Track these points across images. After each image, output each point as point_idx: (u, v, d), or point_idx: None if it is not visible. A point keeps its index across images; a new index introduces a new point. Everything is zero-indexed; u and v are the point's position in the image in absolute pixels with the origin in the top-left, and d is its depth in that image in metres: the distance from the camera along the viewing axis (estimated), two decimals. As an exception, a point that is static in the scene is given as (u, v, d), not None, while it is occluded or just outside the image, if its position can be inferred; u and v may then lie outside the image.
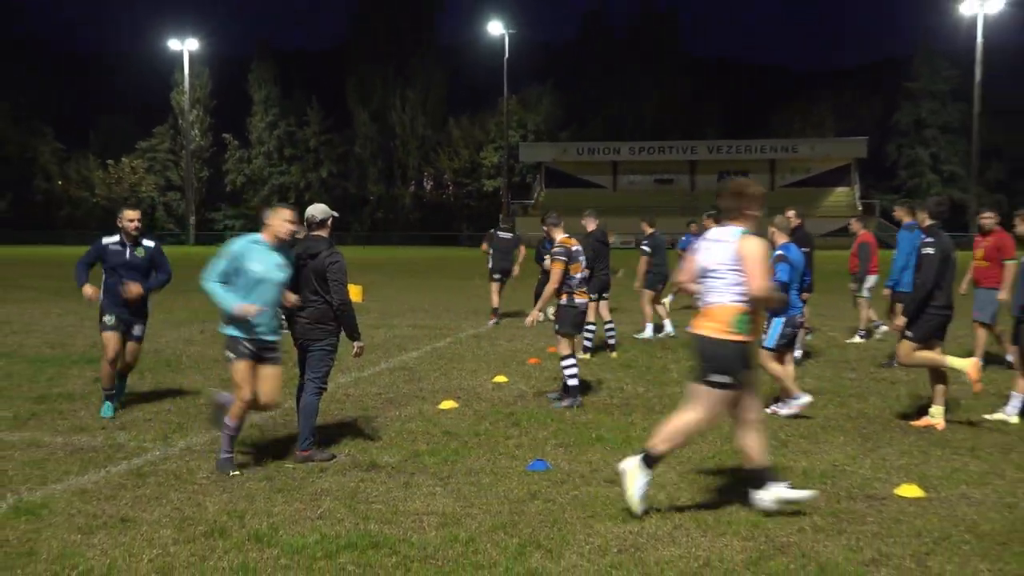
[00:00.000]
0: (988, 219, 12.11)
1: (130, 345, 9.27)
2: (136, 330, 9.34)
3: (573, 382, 9.60)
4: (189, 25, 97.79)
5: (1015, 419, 8.80)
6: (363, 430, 8.43)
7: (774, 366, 9.11)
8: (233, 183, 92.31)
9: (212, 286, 7.10)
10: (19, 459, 7.40)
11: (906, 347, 8.72)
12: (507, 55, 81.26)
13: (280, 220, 7.19)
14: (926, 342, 8.66)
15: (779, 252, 9.05)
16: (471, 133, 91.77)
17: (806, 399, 9.03)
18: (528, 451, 7.74)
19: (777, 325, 8.95)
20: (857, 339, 14.97)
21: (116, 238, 9.42)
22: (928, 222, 8.84)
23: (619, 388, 10.74)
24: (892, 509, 6.25)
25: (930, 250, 8.52)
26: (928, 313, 8.56)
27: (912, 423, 8.83)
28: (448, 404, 9.62)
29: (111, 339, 9.03)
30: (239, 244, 7.18)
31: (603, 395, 10.33)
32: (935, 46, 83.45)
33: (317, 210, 7.63)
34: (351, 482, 6.81)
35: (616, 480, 6.85)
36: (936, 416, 8.72)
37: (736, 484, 6.77)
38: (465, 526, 5.85)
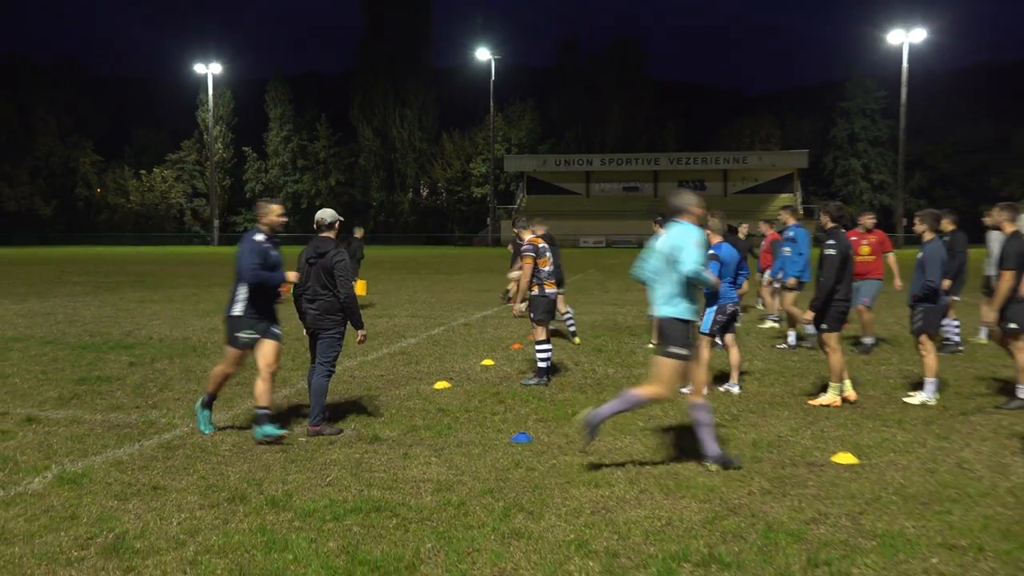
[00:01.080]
0: (870, 219, 12.43)
1: (275, 346, 7.28)
2: (277, 328, 7.36)
3: (544, 364, 9.62)
4: (213, 51, 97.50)
5: (933, 400, 8.73)
6: (366, 407, 8.40)
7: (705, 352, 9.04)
8: (252, 190, 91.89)
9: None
10: (62, 434, 7.33)
11: (832, 338, 8.57)
12: (493, 77, 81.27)
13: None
14: (839, 330, 8.61)
15: (712, 252, 8.97)
16: (462, 146, 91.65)
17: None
18: (512, 425, 7.73)
19: (710, 313, 8.94)
20: (769, 323, 14.94)
21: (262, 236, 7.21)
22: (829, 225, 8.64)
23: (592, 370, 10.74)
24: (829, 474, 6.27)
25: (831, 251, 8.45)
26: (833, 306, 8.55)
27: (809, 401, 8.73)
28: (442, 384, 9.60)
29: (252, 351, 7.28)
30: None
31: (578, 376, 10.32)
32: (866, 71, 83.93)
33: (326, 214, 7.59)
34: (356, 453, 6.78)
35: (588, 450, 6.85)
36: (833, 394, 8.61)
37: (694, 452, 6.78)
38: (457, 491, 5.84)
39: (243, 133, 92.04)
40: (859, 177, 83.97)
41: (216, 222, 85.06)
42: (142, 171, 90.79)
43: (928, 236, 8.85)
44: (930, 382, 8.72)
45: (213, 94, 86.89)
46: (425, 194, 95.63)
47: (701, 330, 8.73)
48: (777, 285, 13.68)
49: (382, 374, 10.33)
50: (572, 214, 75.09)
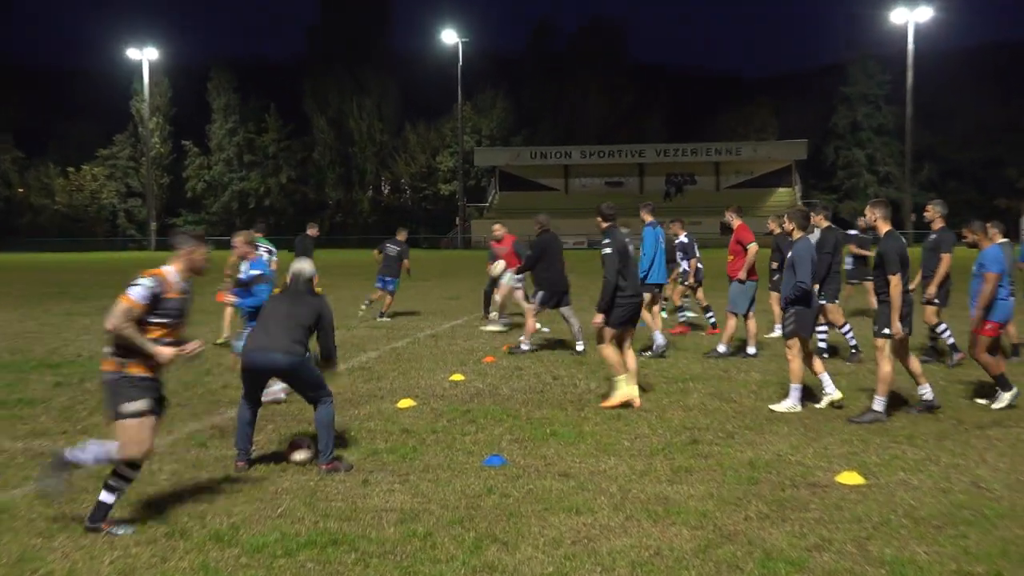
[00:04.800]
0: (731, 218, 13.20)
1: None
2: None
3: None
4: (148, 35, 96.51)
5: (798, 407, 9.03)
6: (323, 429, 8.33)
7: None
8: (193, 189, 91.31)
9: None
10: (-21, 465, 7.22)
11: (606, 334, 9.37)
12: (461, 63, 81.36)
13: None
14: (622, 327, 9.39)
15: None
16: (427, 138, 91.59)
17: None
18: (484, 447, 7.71)
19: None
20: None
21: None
22: (604, 225, 9.71)
23: (572, 384, 10.74)
24: (834, 496, 6.31)
25: (608, 250, 9.33)
26: (618, 303, 9.26)
27: (602, 404, 9.33)
28: (406, 403, 9.57)
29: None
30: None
31: (556, 391, 10.32)
32: (869, 53, 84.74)
33: (307, 269, 7.44)
34: (310, 481, 6.73)
35: (570, 473, 6.84)
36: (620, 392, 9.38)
37: (685, 475, 6.79)
38: (423, 521, 5.81)
39: (183, 125, 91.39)
40: (863, 169, 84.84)
41: (153, 224, 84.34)
42: (69, 169, 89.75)
43: (797, 234, 9.45)
44: (795, 388, 9.11)
45: (149, 82, 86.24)
46: (387, 192, 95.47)
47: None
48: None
49: (339, 392, 10.26)
50: (550, 212, 75.11)
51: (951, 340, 11.92)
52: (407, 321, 18.06)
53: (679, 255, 16.20)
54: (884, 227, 8.83)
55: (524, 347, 13.30)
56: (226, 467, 7.12)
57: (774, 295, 13.12)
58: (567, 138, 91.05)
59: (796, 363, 9.18)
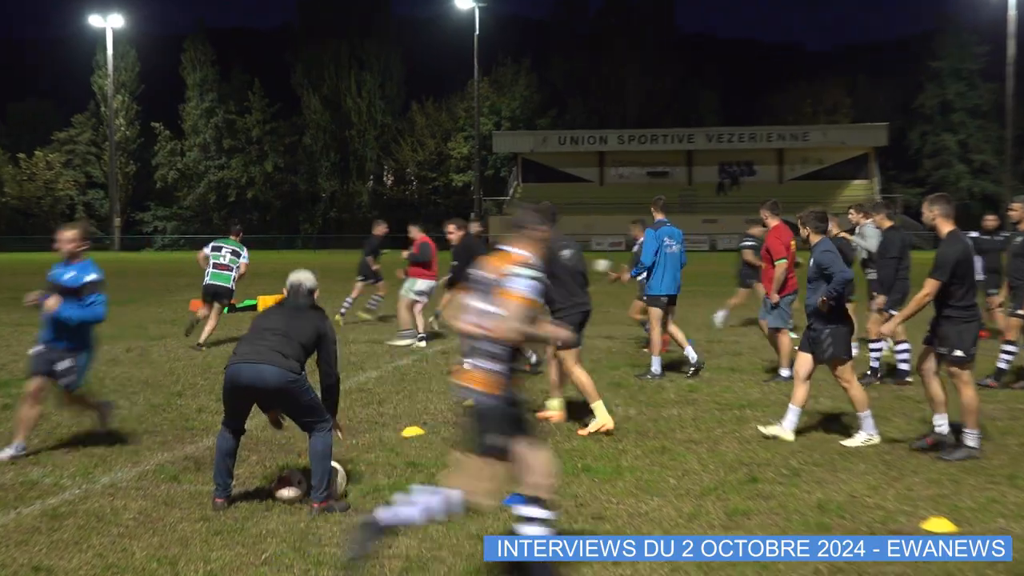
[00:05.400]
0: (765, 216, 13.14)
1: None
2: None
3: None
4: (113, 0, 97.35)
5: (791, 436, 9.24)
6: (315, 462, 8.37)
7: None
8: (164, 179, 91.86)
9: None
10: (-85, 500, 7.29)
11: (569, 355, 9.84)
12: (477, 31, 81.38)
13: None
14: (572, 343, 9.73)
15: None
16: (437, 120, 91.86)
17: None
18: (505, 484, 7.69)
19: None
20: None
21: None
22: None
23: (608, 410, 10.72)
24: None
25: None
26: (558, 319, 9.56)
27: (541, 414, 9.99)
28: (413, 431, 9.59)
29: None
30: None
31: (590, 419, 10.31)
32: (962, 20, 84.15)
33: (307, 279, 7.50)
34: (300, 522, 6.75)
35: (605, 515, 6.83)
36: (553, 408, 10.22)
37: (742, 519, 6.77)
38: (433, 571, 5.81)
39: (152, 105, 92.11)
40: (954, 158, 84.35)
41: (117, 220, 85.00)
42: (20, 155, 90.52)
43: (815, 239, 9.61)
44: (865, 417, 9.23)
45: (113, 54, 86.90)
46: (389, 182, 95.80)
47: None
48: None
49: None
50: (581, 207, 75.30)
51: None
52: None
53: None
54: (945, 227, 8.78)
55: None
56: (202, 505, 7.15)
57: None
58: (602, 121, 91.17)
59: (856, 389, 9.26)
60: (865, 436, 9.12)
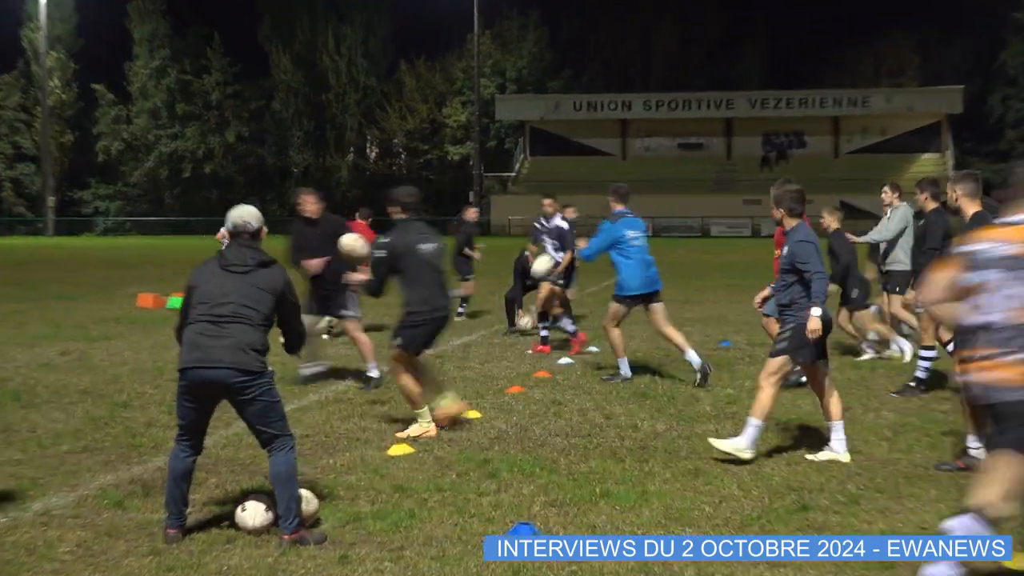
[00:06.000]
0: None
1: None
2: None
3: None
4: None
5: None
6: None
7: None
8: (107, 151, 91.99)
9: None
10: None
11: (401, 362, 10.19)
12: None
13: None
14: (418, 353, 10.31)
15: None
16: (430, 83, 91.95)
17: None
18: (508, 512, 7.70)
19: None
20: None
21: None
22: (399, 215, 10.37)
23: (632, 425, 10.72)
24: (1002, 587, 6.27)
25: (381, 252, 10.14)
26: (412, 323, 10.17)
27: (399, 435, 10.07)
28: (400, 449, 9.58)
29: None
30: None
31: (611, 435, 10.30)
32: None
33: (251, 215, 7.45)
34: (268, 556, 6.75)
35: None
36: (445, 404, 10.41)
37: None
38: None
39: (94, 64, 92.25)
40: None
41: (51, 200, 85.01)
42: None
43: (789, 223, 9.53)
44: (835, 425, 9.35)
45: (47, 3, 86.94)
46: (373, 156, 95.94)
47: None
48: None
49: (308, 433, 10.30)
50: (599, 185, 75.02)
51: None
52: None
53: (550, 244, 16.49)
54: (971, 208, 8.75)
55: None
56: (152, 536, 7.15)
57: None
58: (624, 84, 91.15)
59: (766, 396, 9.20)
60: (735, 446, 9.12)
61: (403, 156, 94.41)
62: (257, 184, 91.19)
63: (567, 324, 16.12)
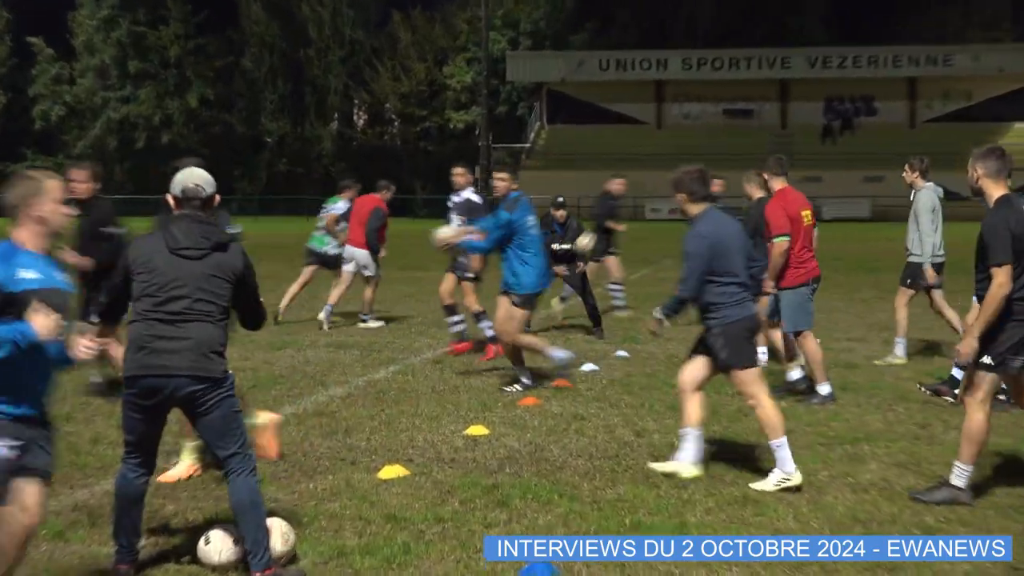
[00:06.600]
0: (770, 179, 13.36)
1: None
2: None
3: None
4: None
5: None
6: (256, 513, 8.39)
7: None
8: (45, 116, 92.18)
9: None
10: None
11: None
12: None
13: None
14: None
15: None
16: (428, 37, 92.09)
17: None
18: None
19: None
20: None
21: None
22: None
23: (668, 444, 10.71)
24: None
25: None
26: None
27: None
28: (393, 471, 9.60)
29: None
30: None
31: (642, 455, 10.30)
32: None
33: (201, 178, 7.41)
34: (237, 597, 6.78)
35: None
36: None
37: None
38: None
39: (30, 14, 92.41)
40: None
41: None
42: None
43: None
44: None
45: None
46: (361, 123, 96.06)
47: None
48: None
49: (285, 451, 10.32)
50: (630, 160, 75.29)
51: None
52: (392, 337, 18.09)
53: (456, 221, 16.46)
54: (995, 190, 8.73)
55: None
56: (100, 574, 7.16)
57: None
58: (658, 39, 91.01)
59: (766, 410, 9.40)
60: (781, 475, 9.18)
61: (396, 124, 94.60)
62: (224, 157, 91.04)
63: (486, 326, 16.33)
